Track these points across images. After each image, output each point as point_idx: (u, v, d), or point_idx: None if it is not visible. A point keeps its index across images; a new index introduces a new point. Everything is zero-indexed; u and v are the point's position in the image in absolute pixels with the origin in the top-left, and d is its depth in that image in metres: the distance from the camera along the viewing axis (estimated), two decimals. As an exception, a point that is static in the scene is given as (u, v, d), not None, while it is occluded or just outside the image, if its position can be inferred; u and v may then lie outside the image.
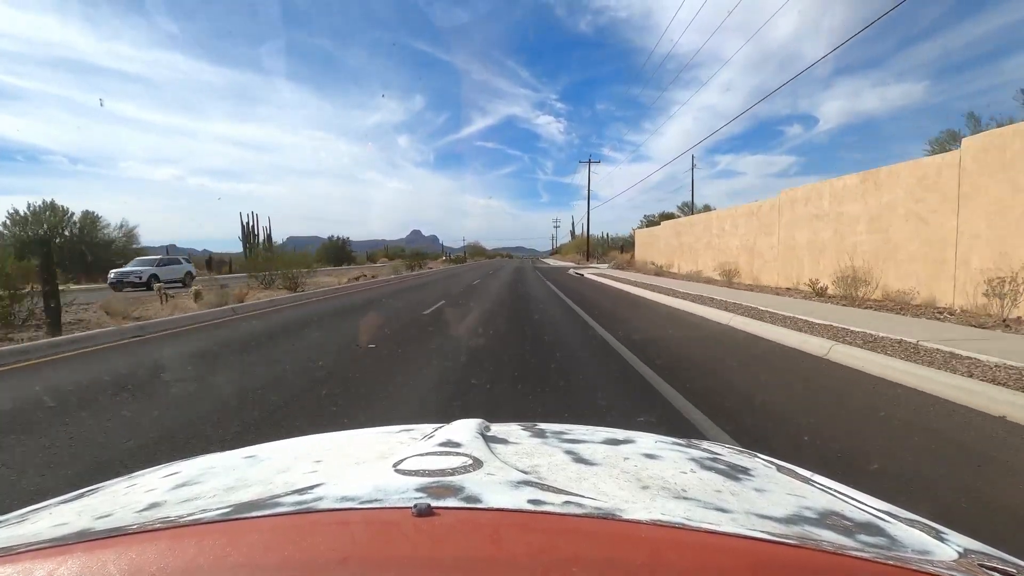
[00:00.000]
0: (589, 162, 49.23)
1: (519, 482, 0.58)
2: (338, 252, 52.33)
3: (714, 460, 0.83)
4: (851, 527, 0.58)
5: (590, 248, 52.56)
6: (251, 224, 35.32)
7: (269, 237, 41.01)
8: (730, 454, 0.92)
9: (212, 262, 34.39)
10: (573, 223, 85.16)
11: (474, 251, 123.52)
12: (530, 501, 0.52)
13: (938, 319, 6.44)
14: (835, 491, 0.75)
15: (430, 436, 0.82)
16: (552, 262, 60.18)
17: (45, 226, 26.62)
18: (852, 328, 5.86)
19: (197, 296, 10.97)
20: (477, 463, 0.64)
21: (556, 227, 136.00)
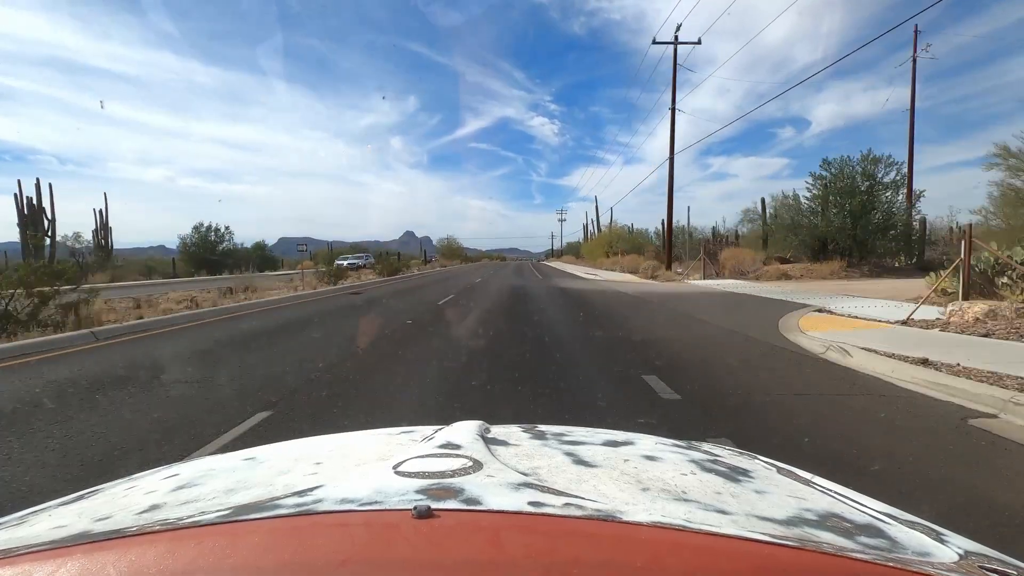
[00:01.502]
0: (676, 42, 21.83)
1: (519, 484, 0.58)
2: (207, 255, 32.60)
3: (714, 462, 0.83)
4: (851, 529, 0.59)
5: (672, 248, 24.04)
6: (35, 203, 19.72)
7: (106, 227, 24.52)
8: (730, 456, 0.92)
9: None
10: (597, 214, 58.79)
11: (449, 252, 72.92)
12: (530, 503, 0.52)
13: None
14: (835, 493, 0.76)
15: (430, 438, 0.82)
16: (579, 272, 31.79)
17: None
18: None
19: None
20: (477, 465, 0.64)
21: (562, 220, 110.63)
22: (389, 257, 38.87)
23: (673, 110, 22.14)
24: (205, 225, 36.55)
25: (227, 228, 36.50)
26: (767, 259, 20.97)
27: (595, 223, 57.38)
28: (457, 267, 52.97)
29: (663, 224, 38.25)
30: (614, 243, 43.17)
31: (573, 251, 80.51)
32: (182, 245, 36.09)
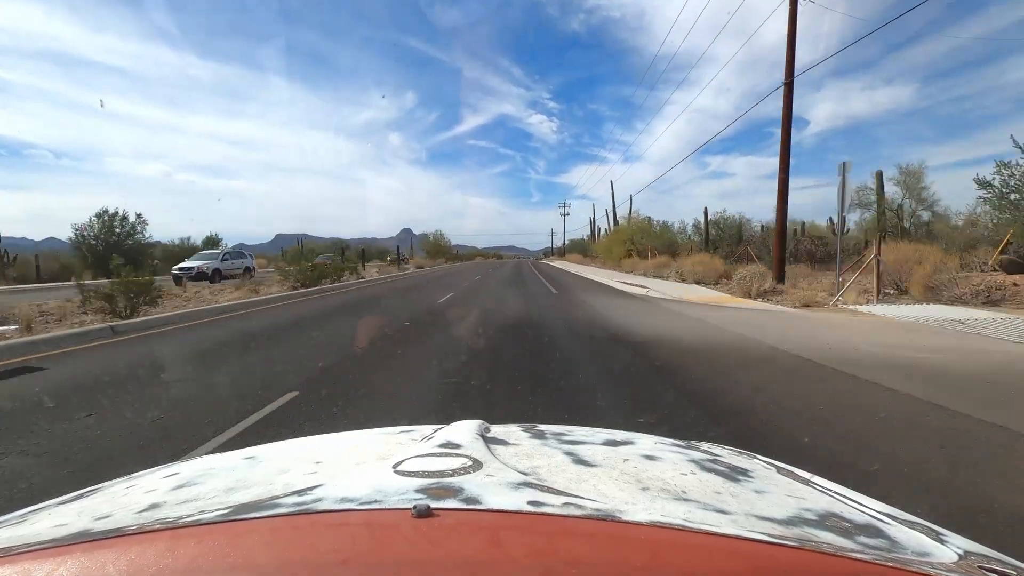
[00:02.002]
0: None
1: (519, 483, 0.58)
2: (113, 250, 20.71)
3: (714, 462, 0.82)
4: (851, 529, 0.58)
5: (784, 248, 12.97)
6: None
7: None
8: (730, 456, 0.91)
9: None
10: (613, 203, 44.93)
11: (434, 249, 59.77)
12: (530, 503, 0.52)
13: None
14: (835, 493, 0.75)
15: (430, 437, 0.81)
16: (609, 280, 19.04)
17: None
18: None
19: None
20: (477, 464, 0.64)
21: (565, 214, 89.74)
22: (306, 255, 19.69)
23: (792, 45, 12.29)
24: (110, 213, 27.39)
25: (139, 216, 27.71)
26: (997, 263, 11.19)
27: (610, 214, 45.22)
28: (439, 269, 38.64)
29: (705, 214, 28.22)
30: (637, 239, 33.49)
31: (579, 249, 70.31)
32: (78, 237, 27.02)
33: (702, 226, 30.91)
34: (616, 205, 44.61)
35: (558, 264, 49.16)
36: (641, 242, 33.30)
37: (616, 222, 42.01)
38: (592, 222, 61.83)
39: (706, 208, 27.16)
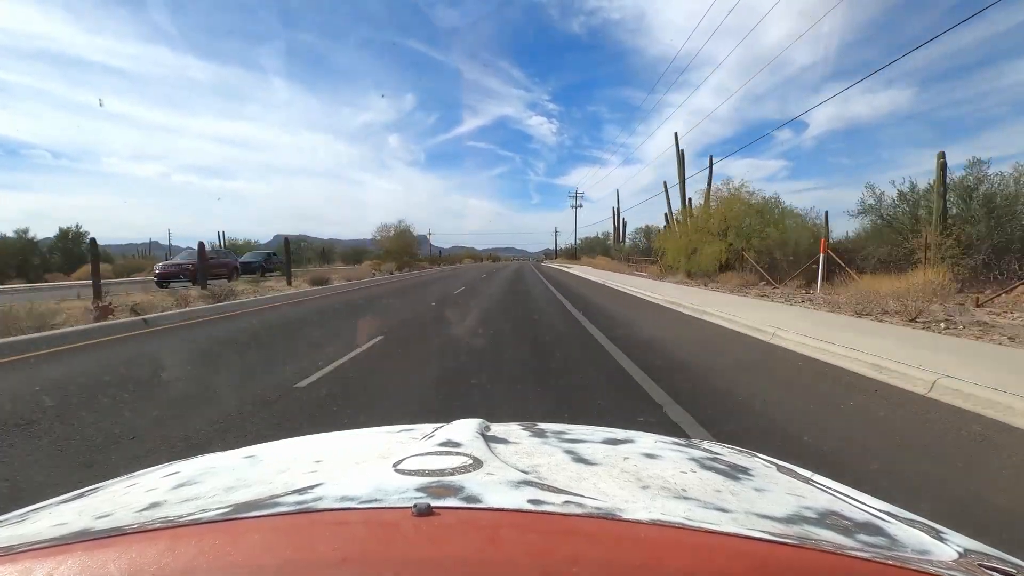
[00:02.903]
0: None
1: (519, 482, 0.58)
2: None
3: (714, 460, 0.82)
4: (851, 527, 0.58)
5: None
6: None
7: None
8: (730, 454, 0.91)
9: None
10: (681, 179, 20.43)
11: (396, 248, 39.52)
12: (530, 501, 0.52)
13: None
14: (835, 491, 0.74)
15: (430, 436, 0.81)
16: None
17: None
18: None
19: None
20: (477, 463, 0.64)
21: (578, 205, 69.78)
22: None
23: None
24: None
25: None
26: None
27: (670, 192, 23.10)
28: (368, 285, 18.83)
29: (942, 166, 10.77)
30: (755, 232, 16.49)
31: (598, 248, 53.05)
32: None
33: (910, 196, 12.76)
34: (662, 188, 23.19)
35: (587, 274, 25.15)
36: (762, 235, 16.34)
37: (687, 203, 20.74)
38: (616, 212, 45.80)
39: (942, 153, 9.53)
